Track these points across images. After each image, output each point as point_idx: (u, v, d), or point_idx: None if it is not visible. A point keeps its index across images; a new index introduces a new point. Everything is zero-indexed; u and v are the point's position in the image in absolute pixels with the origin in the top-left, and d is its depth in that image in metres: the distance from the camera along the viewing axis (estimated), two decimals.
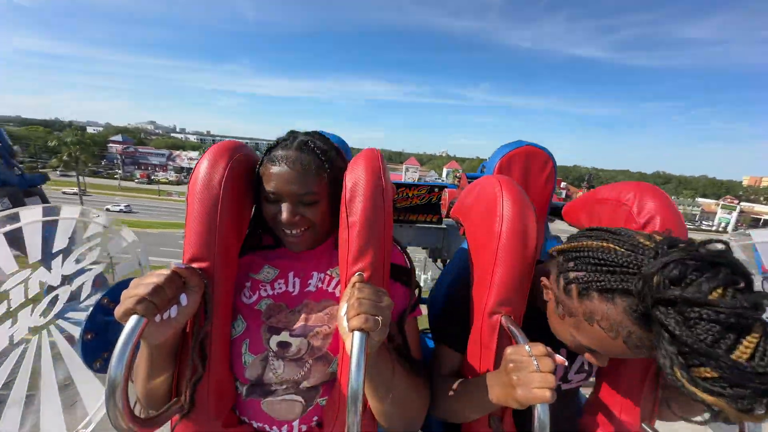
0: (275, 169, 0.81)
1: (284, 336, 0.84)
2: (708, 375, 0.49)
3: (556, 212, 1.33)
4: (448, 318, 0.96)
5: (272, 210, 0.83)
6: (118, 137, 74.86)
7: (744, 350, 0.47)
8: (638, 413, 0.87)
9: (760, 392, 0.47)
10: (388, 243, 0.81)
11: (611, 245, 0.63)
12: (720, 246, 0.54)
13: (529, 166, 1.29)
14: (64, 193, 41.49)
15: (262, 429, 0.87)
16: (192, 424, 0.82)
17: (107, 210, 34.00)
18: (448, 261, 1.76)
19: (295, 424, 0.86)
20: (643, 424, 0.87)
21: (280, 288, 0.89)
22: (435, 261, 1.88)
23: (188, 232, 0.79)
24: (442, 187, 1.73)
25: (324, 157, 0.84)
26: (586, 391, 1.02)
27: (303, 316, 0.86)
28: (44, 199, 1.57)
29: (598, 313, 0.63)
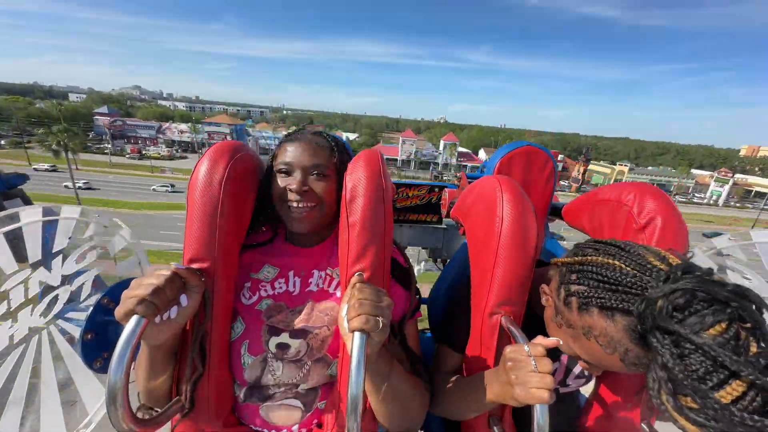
0: (290, 144, 0.88)
1: (284, 338, 0.84)
2: (693, 405, 0.49)
3: (556, 212, 1.33)
4: (449, 318, 0.96)
5: (282, 184, 0.86)
6: (104, 108, 67.68)
7: (729, 392, 0.46)
8: (638, 413, 0.87)
9: None
10: (388, 243, 0.80)
11: (617, 263, 0.62)
12: (740, 282, 0.52)
13: (529, 166, 1.29)
14: (35, 169, 38.80)
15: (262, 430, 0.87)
16: (192, 423, 0.82)
17: (65, 187, 31.80)
18: (447, 261, 1.76)
19: (295, 428, 0.86)
20: (642, 424, 0.87)
21: (281, 287, 0.89)
22: (435, 261, 1.88)
23: (188, 232, 0.78)
24: (442, 187, 1.73)
25: (334, 143, 0.93)
26: (585, 391, 1.02)
27: (303, 316, 0.86)
28: (25, 200, 1.50)
29: (596, 328, 0.63)
